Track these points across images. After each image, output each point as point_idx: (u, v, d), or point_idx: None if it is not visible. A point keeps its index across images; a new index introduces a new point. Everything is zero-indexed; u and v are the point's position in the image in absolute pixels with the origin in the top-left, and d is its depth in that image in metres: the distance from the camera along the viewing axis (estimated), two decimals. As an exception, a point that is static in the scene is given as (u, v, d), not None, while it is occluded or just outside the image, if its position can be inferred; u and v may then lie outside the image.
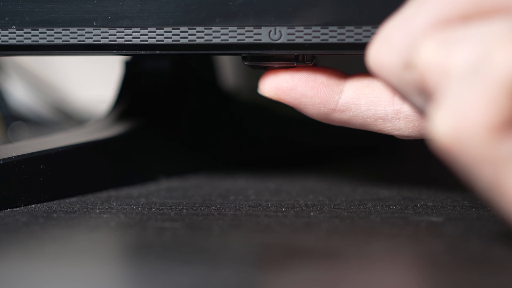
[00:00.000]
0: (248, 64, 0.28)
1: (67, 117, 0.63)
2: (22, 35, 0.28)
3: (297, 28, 0.26)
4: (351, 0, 0.26)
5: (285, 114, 0.38)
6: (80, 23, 0.28)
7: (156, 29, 0.27)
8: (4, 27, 0.28)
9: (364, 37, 0.26)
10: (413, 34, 0.21)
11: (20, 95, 0.65)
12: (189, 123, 0.39)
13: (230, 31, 0.27)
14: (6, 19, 0.28)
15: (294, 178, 0.38)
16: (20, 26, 0.28)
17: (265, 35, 0.27)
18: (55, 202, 0.31)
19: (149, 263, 0.22)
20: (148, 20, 0.27)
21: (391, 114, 0.27)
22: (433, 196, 0.32)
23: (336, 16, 0.26)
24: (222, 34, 0.27)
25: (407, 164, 0.45)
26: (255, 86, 0.28)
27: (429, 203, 0.30)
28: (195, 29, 0.27)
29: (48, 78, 0.68)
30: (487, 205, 0.29)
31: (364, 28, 0.26)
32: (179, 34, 0.27)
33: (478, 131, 0.19)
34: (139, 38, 0.27)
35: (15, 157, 0.30)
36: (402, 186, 0.34)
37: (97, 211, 0.29)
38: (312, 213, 0.29)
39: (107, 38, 0.28)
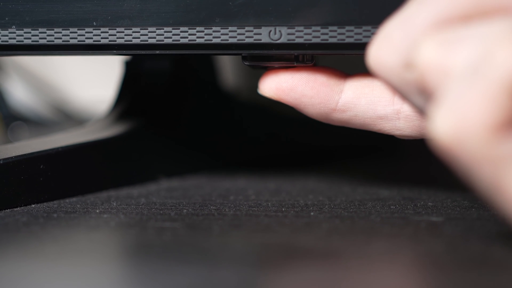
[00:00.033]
0: (248, 64, 0.28)
1: (67, 117, 0.63)
2: (22, 35, 0.28)
3: (297, 28, 0.26)
4: (351, 0, 0.26)
5: (285, 114, 0.38)
6: (80, 23, 0.28)
7: (156, 29, 0.27)
8: (4, 27, 0.28)
9: (364, 37, 0.26)
10: (414, 34, 0.21)
11: (20, 95, 0.65)
12: (189, 123, 0.39)
13: (230, 31, 0.27)
14: (6, 19, 0.28)
15: (294, 178, 0.38)
16: (20, 26, 0.28)
17: (265, 35, 0.27)
18: (55, 202, 0.31)
19: (149, 263, 0.22)
20: (148, 20, 0.27)
21: (391, 114, 0.27)
22: (433, 196, 0.32)
23: (336, 16, 0.26)
24: (222, 34, 0.27)
25: (407, 164, 0.45)
26: (255, 86, 0.28)
27: (429, 203, 0.30)
28: (195, 29, 0.27)
29: (48, 78, 0.68)
30: (487, 205, 0.28)
31: (364, 28, 0.26)
32: (179, 34, 0.27)
33: (478, 131, 0.19)
34: (139, 38, 0.27)
35: (15, 157, 0.30)
36: (402, 186, 0.34)
37: (97, 211, 0.29)
38: (312, 213, 0.29)
39: (107, 38, 0.28)
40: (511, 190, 0.19)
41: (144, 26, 0.27)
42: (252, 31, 0.27)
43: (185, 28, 0.27)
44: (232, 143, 0.41)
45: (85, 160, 0.33)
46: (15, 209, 0.30)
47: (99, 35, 0.28)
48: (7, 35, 0.28)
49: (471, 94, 0.19)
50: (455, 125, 0.19)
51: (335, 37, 0.26)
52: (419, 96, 0.22)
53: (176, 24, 0.27)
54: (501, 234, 0.25)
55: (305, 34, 0.26)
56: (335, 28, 0.26)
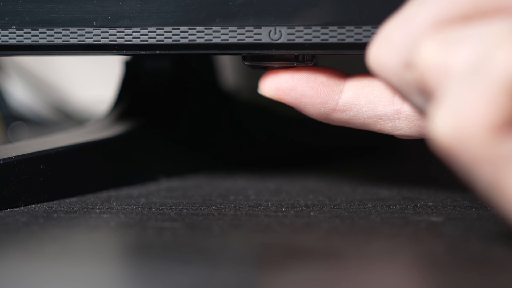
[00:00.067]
0: (248, 64, 0.28)
1: (67, 117, 0.63)
2: (22, 35, 0.28)
3: (297, 28, 0.26)
4: (351, 0, 0.26)
5: (285, 114, 0.38)
6: (80, 23, 0.28)
7: (156, 29, 0.27)
8: (4, 27, 0.28)
9: (364, 37, 0.26)
10: (414, 34, 0.21)
11: (20, 95, 0.65)
12: (189, 123, 0.39)
13: (230, 31, 0.27)
14: (6, 19, 0.28)
15: (294, 178, 0.38)
16: (20, 26, 0.28)
17: (265, 35, 0.27)
18: (55, 202, 0.31)
19: (149, 263, 0.22)
20: (148, 20, 0.27)
21: (391, 114, 0.27)
22: (433, 196, 0.32)
23: (336, 16, 0.26)
24: (222, 34, 0.27)
25: (407, 164, 0.45)
26: (255, 86, 0.28)
27: (429, 203, 0.30)
28: (195, 29, 0.27)
29: (48, 78, 0.68)
30: (487, 205, 0.28)
31: (364, 28, 0.26)
32: (179, 34, 0.27)
33: (478, 131, 0.19)
34: (139, 38, 0.27)
35: (15, 157, 0.30)
36: (402, 186, 0.34)
37: (97, 211, 0.29)
38: (312, 213, 0.29)
39: (107, 38, 0.28)
40: (511, 190, 0.19)
41: (144, 26, 0.27)
42: (252, 31, 0.27)
43: (185, 28, 0.27)
44: (232, 143, 0.41)
45: (85, 160, 0.33)
46: (15, 209, 0.30)
47: (99, 35, 0.28)
48: (7, 35, 0.28)
49: (471, 94, 0.19)
50: (455, 125, 0.19)
51: (335, 37, 0.26)
52: (419, 96, 0.22)
53: (176, 24, 0.27)
54: (501, 234, 0.25)
55: (305, 34, 0.26)
56: (335, 28, 0.26)
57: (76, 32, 0.28)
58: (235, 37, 0.27)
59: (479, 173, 0.19)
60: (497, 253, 0.23)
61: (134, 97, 0.38)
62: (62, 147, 0.32)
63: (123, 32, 0.27)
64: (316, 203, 0.30)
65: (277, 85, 0.27)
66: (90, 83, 0.68)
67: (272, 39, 0.27)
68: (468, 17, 0.20)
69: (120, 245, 0.26)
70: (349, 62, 0.31)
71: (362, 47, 0.25)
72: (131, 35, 0.27)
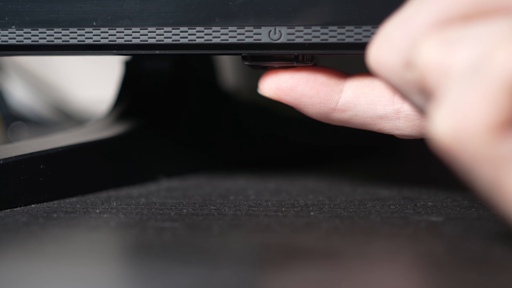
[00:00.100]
0: (248, 64, 0.28)
1: (67, 117, 0.63)
2: (22, 35, 0.28)
3: (297, 28, 0.26)
4: (351, 0, 0.26)
5: (285, 114, 0.38)
6: (80, 23, 0.28)
7: (156, 29, 0.27)
8: (4, 27, 0.28)
9: (364, 37, 0.26)
10: (414, 34, 0.21)
11: (20, 95, 0.65)
12: (189, 123, 0.39)
13: (230, 31, 0.27)
14: (6, 19, 0.28)
15: (294, 178, 0.38)
16: (20, 26, 0.28)
17: (265, 35, 0.27)
18: (55, 202, 0.31)
19: (149, 263, 0.22)
20: (148, 20, 0.27)
21: (391, 114, 0.27)
22: (433, 196, 0.32)
23: (336, 16, 0.26)
24: (222, 34, 0.27)
25: (407, 164, 0.45)
26: (255, 86, 0.28)
27: (429, 203, 0.30)
28: (195, 29, 0.27)
29: (48, 78, 0.68)
30: (487, 205, 0.28)
31: (364, 28, 0.26)
32: (179, 34, 0.27)
33: (478, 131, 0.19)
34: (139, 38, 0.27)
35: (15, 157, 0.30)
36: (402, 186, 0.34)
37: (97, 211, 0.29)
38: (312, 213, 0.29)
39: (107, 38, 0.28)
40: (511, 190, 0.19)
41: (144, 26, 0.27)
42: (252, 31, 0.27)
43: (185, 28, 0.27)
44: (232, 143, 0.41)
45: (85, 160, 0.33)
46: (15, 209, 0.30)
47: (99, 35, 0.28)
48: (7, 35, 0.28)
49: (471, 93, 0.19)
50: (455, 124, 0.19)
51: (335, 37, 0.26)
52: (419, 96, 0.22)
53: (176, 24, 0.27)
54: (501, 234, 0.25)
55: (305, 34, 0.26)
56: (335, 28, 0.26)
57: (76, 32, 0.28)
58: (235, 37, 0.27)
59: (479, 173, 0.19)
60: (497, 253, 0.23)
61: (134, 97, 0.38)
62: (62, 147, 0.32)
63: (123, 32, 0.27)
64: (316, 203, 0.30)
65: (277, 85, 0.27)
66: (90, 83, 0.68)
67: (272, 39, 0.27)
68: (468, 17, 0.20)
69: (120, 245, 0.26)
70: (349, 62, 0.31)
71: (362, 47, 0.25)
72: (131, 35, 0.27)
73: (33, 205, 0.30)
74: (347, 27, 0.26)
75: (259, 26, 0.27)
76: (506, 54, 0.18)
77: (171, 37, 0.27)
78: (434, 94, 0.20)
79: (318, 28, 0.26)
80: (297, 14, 0.26)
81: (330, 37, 0.26)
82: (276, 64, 0.28)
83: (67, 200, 0.31)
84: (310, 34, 0.26)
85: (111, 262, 0.24)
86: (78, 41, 0.28)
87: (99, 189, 0.33)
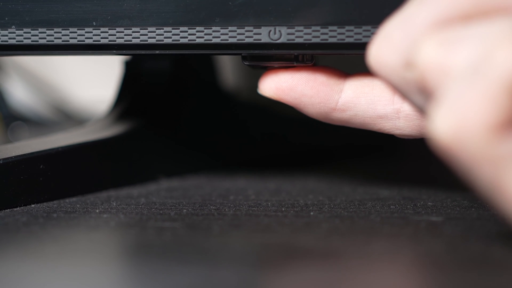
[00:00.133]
0: (248, 64, 0.28)
1: (67, 117, 0.63)
2: (22, 35, 0.28)
3: (297, 28, 0.26)
4: (351, 0, 0.26)
5: (285, 114, 0.38)
6: (80, 23, 0.28)
7: (156, 29, 0.27)
8: (4, 27, 0.28)
9: (364, 36, 0.26)
10: (414, 34, 0.21)
11: (20, 95, 0.65)
12: (189, 123, 0.39)
13: (230, 31, 0.27)
14: (6, 19, 0.28)
15: (294, 178, 0.38)
16: (20, 26, 0.28)
17: (265, 35, 0.27)
18: (55, 202, 0.31)
19: (149, 263, 0.22)
20: (148, 20, 0.27)
21: (391, 113, 0.27)
22: (433, 196, 0.32)
23: (336, 16, 0.26)
24: (222, 34, 0.27)
25: (407, 164, 0.45)
26: (255, 86, 0.28)
27: (429, 203, 0.30)
28: (195, 29, 0.27)
29: (48, 78, 0.68)
30: (487, 205, 0.28)
31: (364, 28, 0.26)
32: (179, 34, 0.27)
33: (478, 131, 0.19)
34: (139, 38, 0.27)
35: (15, 157, 0.30)
36: (402, 186, 0.34)
37: (97, 211, 0.29)
38: (312, 213, 0.29)
39: (107, 38, 0.28)
40: (511, 190, 0.19)
41: (144, 26, 0.27)
42: (252, 31, 0.27)
43: (185, 28, 0.27)
44: (232, 143, 0.41)
45: (85, 160, 0.33)
46: (15, 209, 0.30)
47: (99, 35, 0.28)
48: (7, 35, 0.28)
49: (471, 93, 0.19)
50: (455, 124, 0.19)
51: (335, 37, 0.26)
52: (419, 96, 0.22)
53: (176, 24, 0.27)
54: (501, 234, 0.25)
55: (305, 34, 0.26)
56: (335, 28, 0.26)
57: (76, 32, 0.28)
58: (235, 37, 0.27)
59: (479, 173, 0.19)
60: (497, 253, 0.23)
61: (134, 97, 0.38)
62: (62, 147, 0.32)
63: (123, 32, 0.27)
64: (316, 203, 0.30)
65: (277, 85, 0.27)
66: (90, 83, 0.68)
67: (272, 39, 0.27)
68: (468, 17, 0.20)
69: (120, 245, 0.26)
70: (349, 62, 0.31)
71: (362, 47, 0.25)
72: (131, 35, 0.27)
73: (33, 205, 0.30)
74: (347, 27, 0.26)
75: (259, 26, 0.27)
76: (506, 54, 0.18)
77: (171, 37, 0.27)
78: (434, 94, 0.20)
79: (318, 28, 0.26)
80: (297, 14, 0.26)
81: (330, 37, 0.26)
82: (276, 64, 0.28)
83: (67, 200, 0.31)
84: (310, 34, 0.26)
85: (111, 262, 0.24)
86: (78, 41, 0.28)
87: (99, 189, 0.33)
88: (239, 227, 0.27)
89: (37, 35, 0.28)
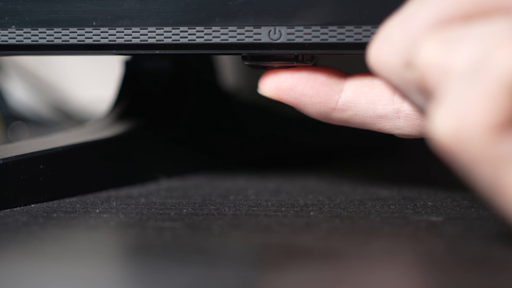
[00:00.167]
0: (248, 64, 0.28)
1: (67, 117, 0.63)
2: (22, 35, 0.28)
3: (297, 28, 0.26)
4: (351, 0, 0.26)
5: (285, 114, 0.38)
6: (80, 23, 0.28)
7: (156, 29, 0.27)
8: (4, 27, 0.28)
9: (364, 36, 0.26)
10: (414, 34, 0.21)
11: (20, 95, 0.65)
12: (189, 123, 0.39)
13: (230, 31, 0.27)
14: (6, 19, 0.28)
15: (294, 178, 0.38)
16: (20, 26, 0.28)
17: (265, 35, 0.27)
18: (55, 202, 0.31)
19: (149, 263, 0.22)
20: (148, 20, 0.27)
21: (391, 113, 0.27)
22: (433, 196, 0.32)
23: (336, 16, 0.26)
24: (222, 34, 0.27)
25: (407, 164, 0.45)
26: (255, 86, 0.28)
27: (429, 203, 0.30)
28: (195, 29, 0.27)
29: (48, 78, 0.68)
30: (487, 205, 0.28)
31: (364, 27, 0.26)
32: (179, 34, 0.27)
33: (478, 131, 0.19)
34: (139, 38, 0.27)
35: (15, 157, 0.30)
36: (402, 186, 0.34)
37: (97, 211, 0.29)
38: (312, 213, 0.29)
39: (107, 38, 0.28)
40: (511, 190, 0.19)
41: (144, 26, 0.27)
42: (252, 31, 0.27)
43: (185, 28, 0.27)
44: (232, 143, 0.41)
45: (85, 160, 0.33)
46: (15, 209, 0.30)
47: (99, 35, 0.28)
48: (7, 35, 0.28)
49: (471, 93, 0.19)
50: (455, 124, 0.19)
51: (335, 37, 0.26)
52: (419, 95, 0.22)
53: (176, 24, 0.27)
54: (501, 234, 0.25)
55: (305, 34, 0.26)
56: (335, 28, 0.26)
57: (75, 32, 0.28)
58: (235, 37, 0.27)
59: (479, 173, 0.19)
60: (497, 253, 0.23)
61: (134, 97, 0.38)
62: (62, 147, 0.32)
63: (122, 32, 0.27)
64: (316, 203, 0.30)
65: (277, 85, 0.27)
66: (90, 83, 0.68)
67: (272, 39, 0.27)
68: (468, 17, 0.20)
69: (120, 245, 0.26)
70: (349, 62, 0.31)
71: (362, 47, 0.25)
72: (131, 35, 0.27)
73: (33, 205, 0.30)
74: (347, 27, 0.26)
75: (259, 26, 0.27)
76: (506, 54, 0.18)
77: (171, 37, 0.27)
78: (434, 94, 0.20)
79: (318, 28, 0.26)
80: (297, 14, 0.26)
81: (330, 37, 0.26)
82: (276, 64, 0.28)
83: (67, 200, 0.31)
84: (310, 34, 0.26)
85: (111, 262, 0.24)
86: (78, 41, 0.28)
87: (99, 189, 0.33)
88: (239, 227, 0.27)
89: (37, 35, 0.28)
